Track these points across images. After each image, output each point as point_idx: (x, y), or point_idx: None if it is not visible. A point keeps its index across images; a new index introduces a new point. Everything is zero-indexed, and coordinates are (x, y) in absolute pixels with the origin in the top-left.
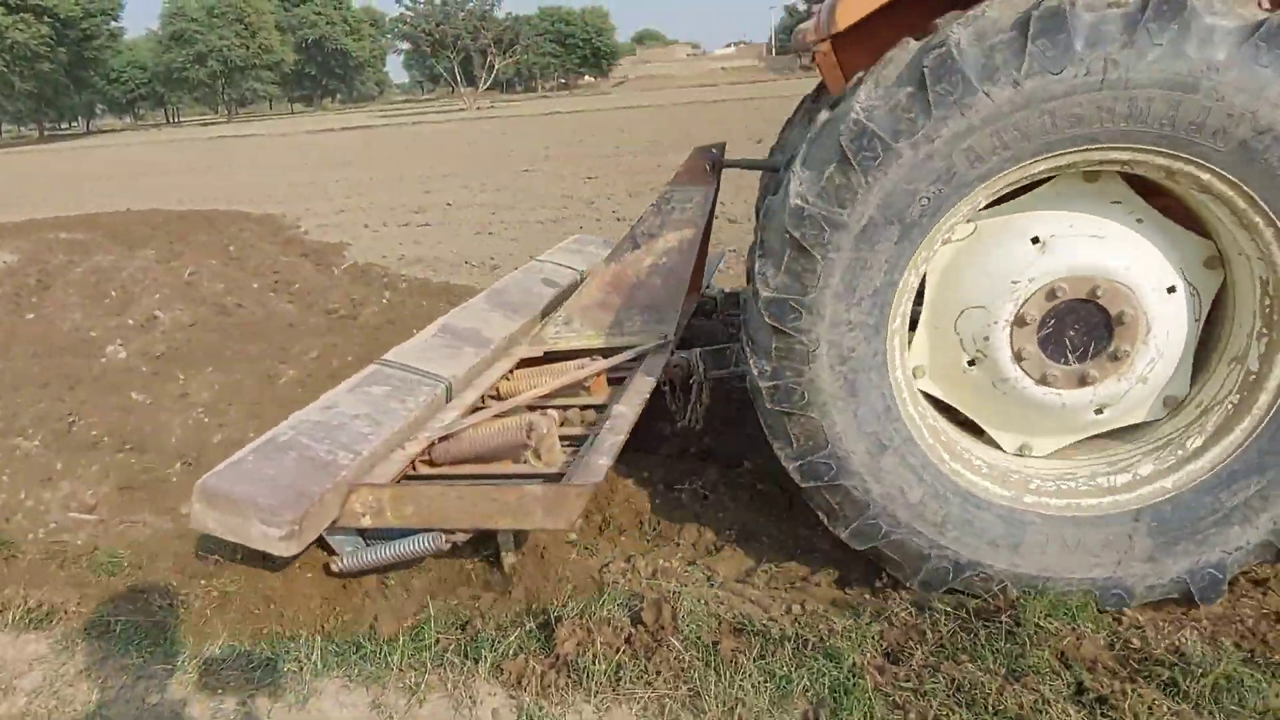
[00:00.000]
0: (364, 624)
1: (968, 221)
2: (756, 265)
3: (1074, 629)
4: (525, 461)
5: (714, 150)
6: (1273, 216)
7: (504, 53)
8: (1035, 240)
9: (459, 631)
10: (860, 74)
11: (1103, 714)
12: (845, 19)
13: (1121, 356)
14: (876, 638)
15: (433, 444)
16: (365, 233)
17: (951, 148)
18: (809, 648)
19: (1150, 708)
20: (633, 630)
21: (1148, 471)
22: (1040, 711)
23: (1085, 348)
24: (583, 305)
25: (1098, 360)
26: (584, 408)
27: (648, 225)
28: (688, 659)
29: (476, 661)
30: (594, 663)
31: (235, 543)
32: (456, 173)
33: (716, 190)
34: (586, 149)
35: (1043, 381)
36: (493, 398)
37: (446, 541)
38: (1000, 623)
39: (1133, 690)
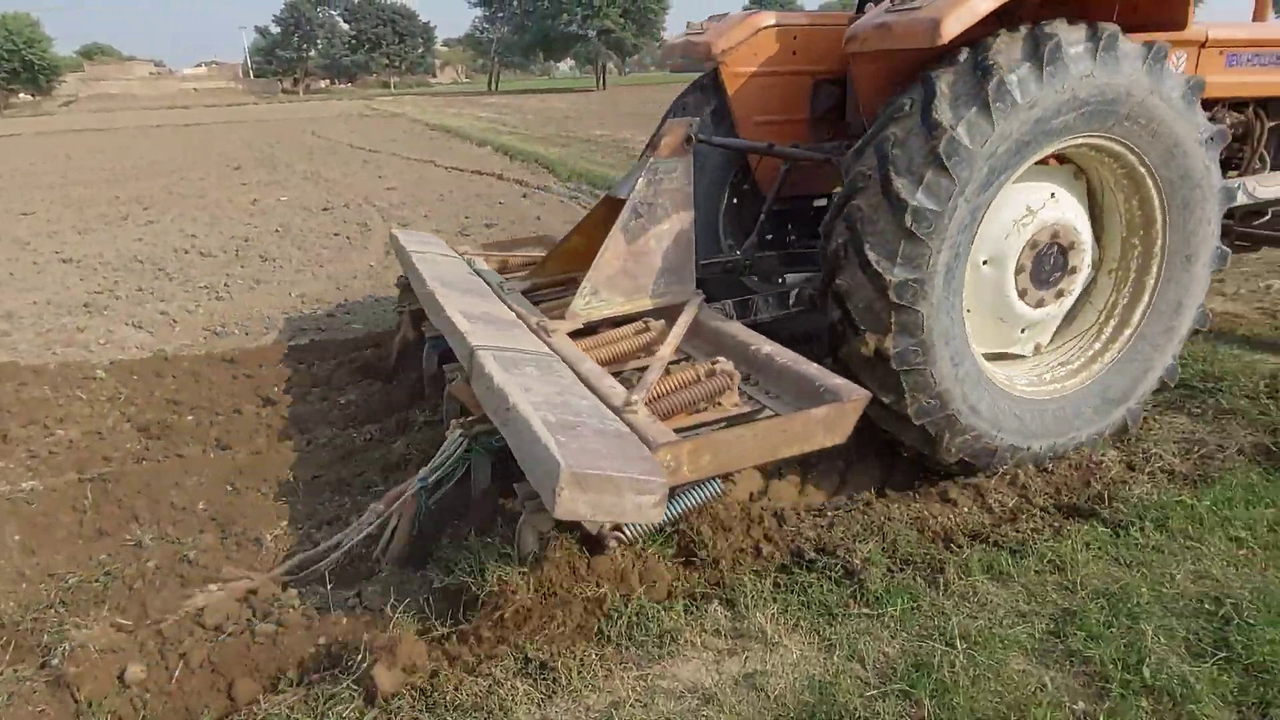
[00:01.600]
0: None
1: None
2: (869, 255)
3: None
4: (705, 410)
5: (690, 125)
6: None
7: None
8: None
9: None
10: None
11: (544, 679)
12: (950, 33)
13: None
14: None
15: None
16: None
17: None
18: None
19: (582, 660)
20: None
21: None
22: (493, 693)
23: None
24: (605, 276)
25: None
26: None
27: (643, 195)
28: None
29: None
30: None
31: (600, 520)
32: None
33: (693, 161)
34: (22, 180)
35: None
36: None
37: (726, 483)
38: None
39: (568, 650)
